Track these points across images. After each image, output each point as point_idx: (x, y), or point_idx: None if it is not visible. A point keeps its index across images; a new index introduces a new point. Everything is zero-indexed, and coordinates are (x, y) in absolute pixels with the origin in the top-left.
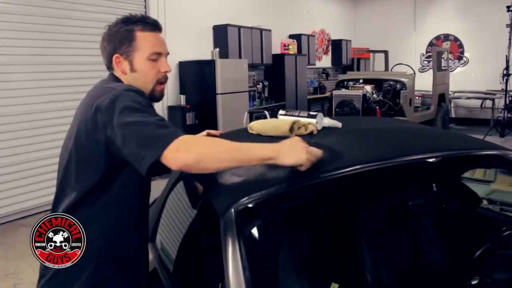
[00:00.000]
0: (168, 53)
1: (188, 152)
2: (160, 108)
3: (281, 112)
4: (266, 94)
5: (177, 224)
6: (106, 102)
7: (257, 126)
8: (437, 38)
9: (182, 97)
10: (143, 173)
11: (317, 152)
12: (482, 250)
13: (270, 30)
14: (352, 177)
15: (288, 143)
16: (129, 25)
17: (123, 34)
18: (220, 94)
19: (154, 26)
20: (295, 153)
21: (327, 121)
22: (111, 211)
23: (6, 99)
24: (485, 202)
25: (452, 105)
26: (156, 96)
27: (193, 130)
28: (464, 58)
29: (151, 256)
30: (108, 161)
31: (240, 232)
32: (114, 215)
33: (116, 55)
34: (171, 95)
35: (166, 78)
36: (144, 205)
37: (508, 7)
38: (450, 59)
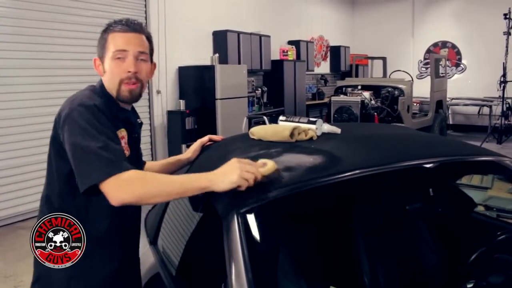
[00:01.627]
0: (140, 51)
1: (127, 192)
2: (159, 113)
3: (281, 118)
4: (265, 100)
5: (179, 227)
6: (64, 113)
7: (258, 131)
8: (435, 45)
9: (182, 102)
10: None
11: (257, 166)
12: (477, 253)
13: (269, 36)
14: (351, 182)
15: (222, 169)
16: (107, 29)
17: (101, 37)
18: (220, 99)
19: (126, 27)
20: (226, 178)
21: (327, 127)
22: (83, 221)
23: (6, 102)
24: (482, 208)
25: (449, 111)
26: (123, 96)
27: (193, 135)
28: (461, 65)
29: (153, 259)
30: (67, 167)
31: (242, 235)
32: (88, 225)
33: (94, 58)
34: (171, 100)
35: (131, 78)
36: (124, 214)
37: (505, 14)
38: (448, 66)
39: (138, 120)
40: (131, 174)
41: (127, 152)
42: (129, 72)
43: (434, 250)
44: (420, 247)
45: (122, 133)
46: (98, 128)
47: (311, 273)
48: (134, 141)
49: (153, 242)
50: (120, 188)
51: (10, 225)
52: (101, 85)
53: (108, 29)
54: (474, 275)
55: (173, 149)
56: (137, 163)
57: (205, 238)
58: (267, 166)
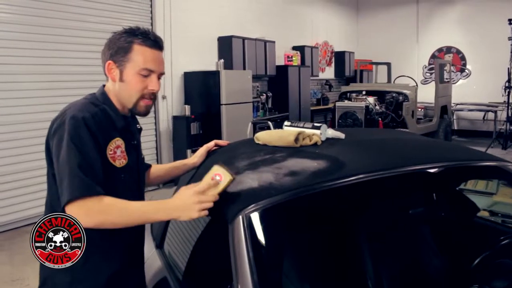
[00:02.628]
0: (162, 73)
1: (87, 216)
2: (165, 118)
3: (286, 123)
4: (270, 105)
5: (186, 231)
6: (56, 123)
7: (263, 136)
8: (440, 50)
9: (187, 107)
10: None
11: (210, 188)
12: (480, 258)
13: (274, 42)
14: (355, 186)
15: (179, 204)
16: (130, 36)
17: (121, 43)
18: (224, 104)
19: (154, 42)
20: (185, 214)
21: (331, 132)
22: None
23: (16, 107)
24: (486, 214)
25: (454, 117)
26: (139, 111)
27: (198, 140)
28: (466, 71)
29: (159, 263)
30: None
31: (248, 238)
32: (89, 227)
33: (109, 61)
34: (176, 105)
35: (152, 95)
36: None
37: (510, 20)
38: (453, 71)
39: (137, 125)
40: (96, 199)
41: (124, 161)
42: (152, 90)
43: (437, 254)
44: (424, 252)
45: (118, 142)
46: (80, 145)
47: (315, 276)
48: (134, 147)
49: (159, 246)
50: (81, 212)
51: (17, 229)
52: (102, 93)
53: (132, 38)
54: (477, 279)
55: (178, 154)
56: (138, 169)
57: (211, 242)
58: (222, 182)
